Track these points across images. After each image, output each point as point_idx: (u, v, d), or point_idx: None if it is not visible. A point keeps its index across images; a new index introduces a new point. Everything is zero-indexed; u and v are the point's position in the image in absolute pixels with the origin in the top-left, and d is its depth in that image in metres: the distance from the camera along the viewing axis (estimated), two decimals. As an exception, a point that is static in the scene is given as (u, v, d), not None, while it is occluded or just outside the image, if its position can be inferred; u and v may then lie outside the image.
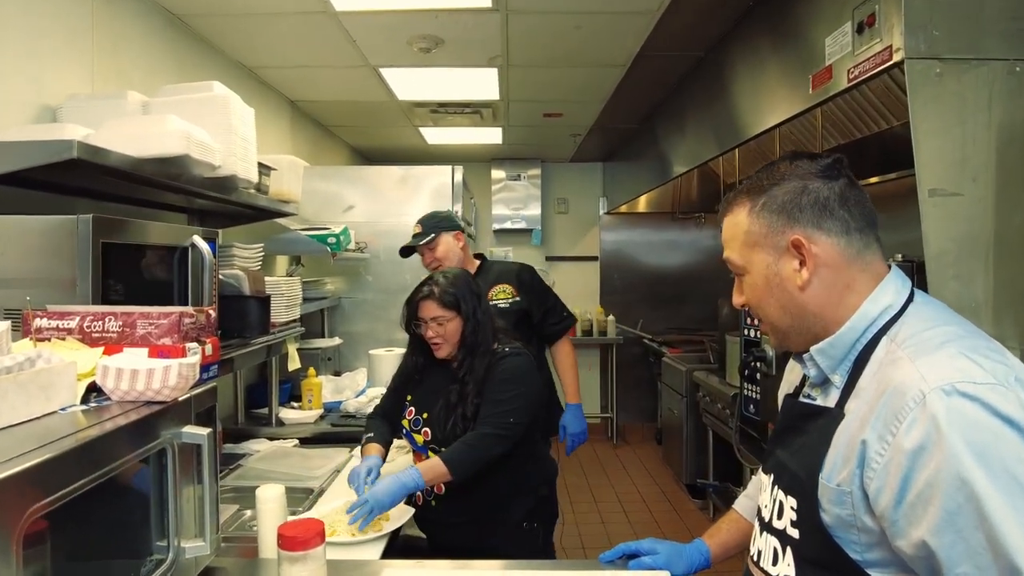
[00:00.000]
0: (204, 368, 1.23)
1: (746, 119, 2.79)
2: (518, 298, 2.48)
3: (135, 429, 0.99)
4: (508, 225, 5.93)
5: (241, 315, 1.97)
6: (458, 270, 1.96)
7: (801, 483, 0.90)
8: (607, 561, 1.31)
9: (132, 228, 1.49)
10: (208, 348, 1.24)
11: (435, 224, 2.52)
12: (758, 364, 2.63)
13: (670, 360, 4.68)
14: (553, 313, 2.58)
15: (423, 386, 1.91)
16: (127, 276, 1.51)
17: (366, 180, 3.68)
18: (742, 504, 1.27)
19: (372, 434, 1.90)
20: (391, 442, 1.95)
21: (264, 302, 2.05)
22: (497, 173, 5.94)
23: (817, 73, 2.06)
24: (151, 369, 1.03)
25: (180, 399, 1.11)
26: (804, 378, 1.05)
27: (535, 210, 5.97)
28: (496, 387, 1.79)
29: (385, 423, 1.95)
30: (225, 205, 2.17)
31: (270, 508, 1.39)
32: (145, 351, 1.12)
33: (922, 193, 1.59)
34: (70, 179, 1.56)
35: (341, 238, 2.92)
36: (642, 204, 5.81)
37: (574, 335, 5.67)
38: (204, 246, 1.72)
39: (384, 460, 1.88)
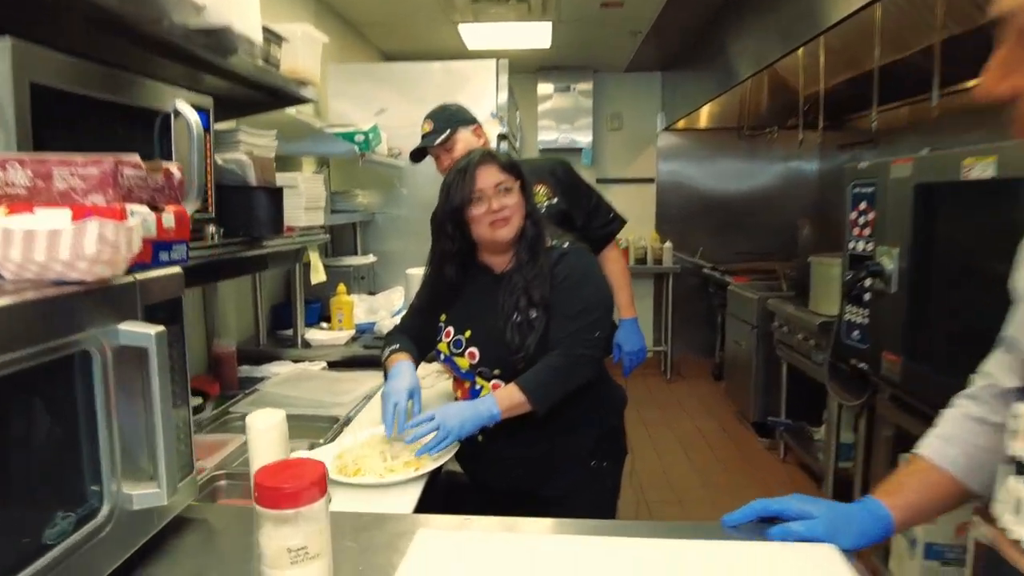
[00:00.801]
0: (162, 245, 0.87)
1: (829, 3, 2.23)
2: (555, 199, 1.99)
3: (30, 316, 0.64)
4: (556, 144, 5.44)
5: (246, 209, 1.61)
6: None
7: None
8: (732, 525, 0.93)
9: (81, 72, 1.11)
10: (168, 218, 0.88)
11: (448, 118, 2.00)
12: (870, 282, 2.17)
13: (737, 289, 4.23)
14: (598, 214, 2.08)
15: (459, 303, 1.53)
16: (79, 146, 1.15)
17: (399, 79, 3.24)
18: (936, 450, 0.86)
19: (398, 345, 1.53)
20: (420, 360, 1.58)
21: (275, 194, 1.69)
22: (544, 88, 5.42)
23: None
24: (55, 231, 0.67)
25: (114, 282, 0.75)
26: None
27: (586, 127, 5.45)
28: (565, 296, 1.40)
29: (409, 341, 1.57)
30: (230, 84, 1.79)
31: (266, 441, 1.00)
32: (68, 213, 0.76)
33: None
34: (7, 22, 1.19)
35: (370, 136, 2.52)
36: (704, 119, 5.23)
37: (627, 262, 5.26)
38: (191, 113, 1.35)
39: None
